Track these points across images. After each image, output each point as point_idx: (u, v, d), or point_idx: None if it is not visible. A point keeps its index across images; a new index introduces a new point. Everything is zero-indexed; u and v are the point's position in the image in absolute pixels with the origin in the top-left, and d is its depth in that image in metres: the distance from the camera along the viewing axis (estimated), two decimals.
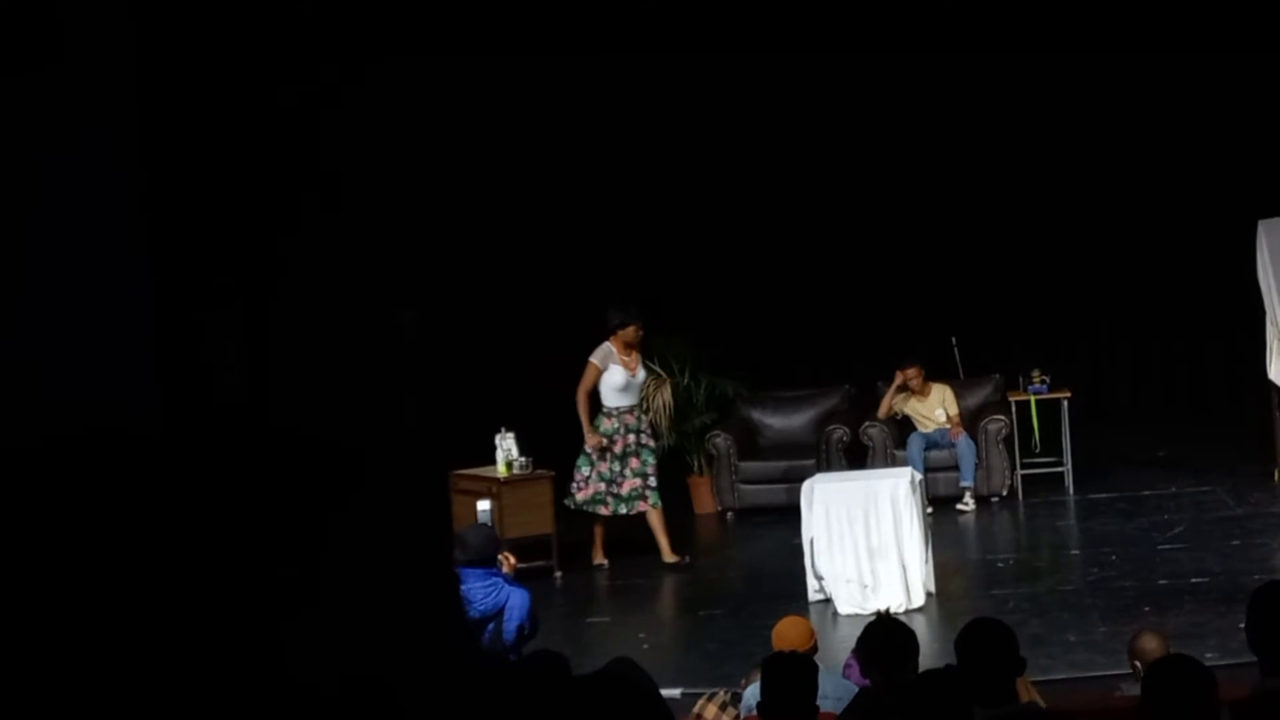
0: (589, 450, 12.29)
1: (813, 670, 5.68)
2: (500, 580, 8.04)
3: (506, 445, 12.40)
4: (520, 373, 15.17)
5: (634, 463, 12.37)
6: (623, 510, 12.37)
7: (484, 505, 10.45)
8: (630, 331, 12.34)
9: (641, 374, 12.49)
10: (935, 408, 14.01)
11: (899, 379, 14.01)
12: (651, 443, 12.53)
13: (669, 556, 12.40)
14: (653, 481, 12.41)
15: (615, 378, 12.31)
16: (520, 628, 7.86)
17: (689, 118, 15.54)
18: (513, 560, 8.52)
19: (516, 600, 7.94)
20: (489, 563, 8.08)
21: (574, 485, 12.38)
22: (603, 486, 12.34)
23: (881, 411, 14.03)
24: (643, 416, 12.53)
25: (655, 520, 12.41)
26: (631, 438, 12.39)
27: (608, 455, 12.32)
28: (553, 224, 15.48)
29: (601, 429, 12.29)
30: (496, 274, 15.21)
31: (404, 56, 15.46)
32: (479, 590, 7.90)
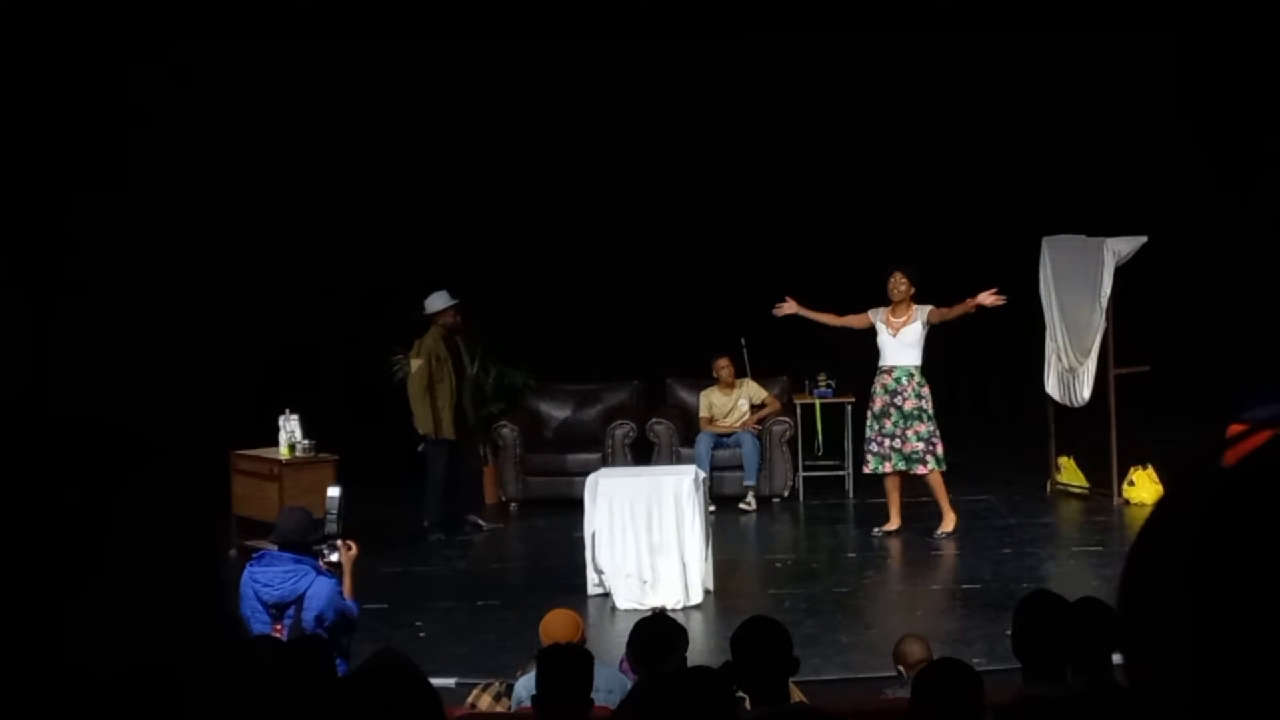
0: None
1: (588, 662, 5.66)
2: (308, 567, 7.83)
3: (290, 427, 12.20)
4: (310, 356, 14.98)
5: (918, 426, 12.21)
6: (902, 468, 12.27)
7: (334, 491, 9.79)
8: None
9: (902, 334, 12.29)
10: (739, 399, 14.10)
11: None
12: (924, 405, 12.28)
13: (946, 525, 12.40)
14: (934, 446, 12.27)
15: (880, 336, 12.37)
16: (319, 618, 7.67)
17: (478, 105, 15.48)
18: (354, 550, 8.25)
19: (316, 590, 7.75)
20: (299, 548, 7.86)
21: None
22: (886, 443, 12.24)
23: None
24: (903, 379, 12.26)
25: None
26: (886, 398, 12.28)
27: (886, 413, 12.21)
28: (346, 209, 15.31)
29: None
30: (291, 256, 14.99)
31: (195, 43, 15.07)
32: (279, 574, 7.71)
